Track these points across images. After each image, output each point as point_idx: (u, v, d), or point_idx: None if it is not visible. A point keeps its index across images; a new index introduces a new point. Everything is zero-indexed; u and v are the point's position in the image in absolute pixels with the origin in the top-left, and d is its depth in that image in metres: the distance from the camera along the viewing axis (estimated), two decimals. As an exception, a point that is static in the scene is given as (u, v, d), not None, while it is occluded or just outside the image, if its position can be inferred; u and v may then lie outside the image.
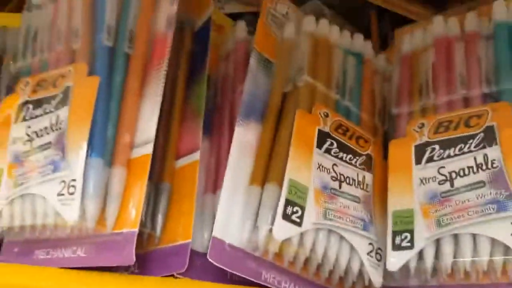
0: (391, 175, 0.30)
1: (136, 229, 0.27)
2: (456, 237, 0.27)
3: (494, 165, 0.27)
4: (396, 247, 0.28)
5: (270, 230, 0.27)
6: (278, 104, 0.32)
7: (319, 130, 0.31)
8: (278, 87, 0.33)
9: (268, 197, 0.28)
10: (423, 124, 0.31)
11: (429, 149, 0.29)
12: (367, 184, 0.32)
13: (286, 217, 0.28)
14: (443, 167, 0.28)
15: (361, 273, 0.30)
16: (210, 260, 0.27)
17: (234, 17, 0.40)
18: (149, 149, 0.28)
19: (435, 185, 0.28)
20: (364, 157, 0.32)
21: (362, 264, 0.30)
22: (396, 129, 0.32)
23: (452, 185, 0.28)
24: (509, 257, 0.26)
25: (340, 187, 0.30)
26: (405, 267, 0.28)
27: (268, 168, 0.29)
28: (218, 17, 0.39)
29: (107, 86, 0.29)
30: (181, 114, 0.32)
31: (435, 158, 0.29)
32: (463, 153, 0.28)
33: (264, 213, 0.28)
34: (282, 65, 0.33)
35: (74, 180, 0.27)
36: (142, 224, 0.29)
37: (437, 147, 0.29)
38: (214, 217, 0.30)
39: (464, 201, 0.27)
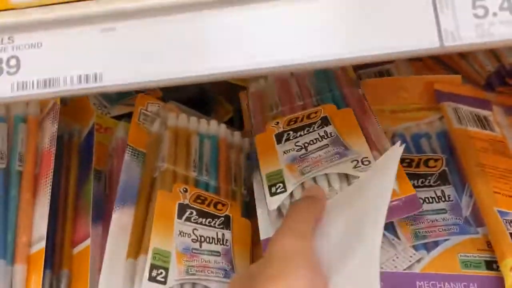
0: (260, 155, 0.40)
1: (37, 312, 0.33)
2: (314, 179, 0.37)
3: (332, 135, 0.40)
4: (273, 194, 0.37)
5: None
6: (147, 187, 0.39)
7: (179, 204, 0.38)
8: (148, 173, 0.40)
9: (140, 266, 0.35)
10: (278, 122, 0.42)
11: (285, 135, 0.41)
12: (226, 240, 0.38)
13: (151, 278, 0.34)
14: (298, 141, 0.40)
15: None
16: None
17: (120, 117, 0.48)
18: (42, 244, 0.35)
19: (294, 152, 0.39)
20: (222, 218, 0.39)
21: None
22: (257, 129, 0.43)
23: (306, 150, 0.39)
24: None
25: (200, 246, 0.37)
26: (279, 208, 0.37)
27: (139, 244, 0.36)
28: (104, 121, 0.47)
29: (4, 200, 0.36)
30: (73, 210, 0.39)
31: (291, 138, 0.41)
32: (309, 132, 0.40)
33: (137, 280, 0.34)
34: (151, 155, 0.41)
35: (-19, 281, 0.33)
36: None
37: (291, 132, 0.41)
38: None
39: (317, 157, 0.38)
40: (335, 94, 0.43)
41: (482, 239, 0.37)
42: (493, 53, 0.47)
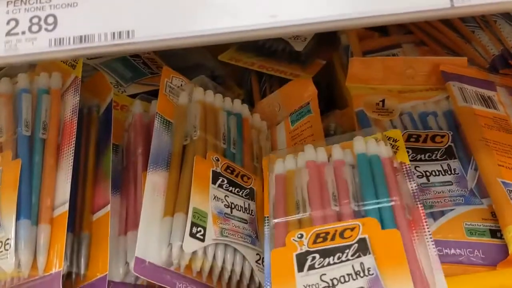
0: (274, 284, 0.31)
1: (61, 269, 0.34)
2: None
3: (371, 273, 0.30)
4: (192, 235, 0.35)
5: (181, 246, 0.36)
6: (179, 154, 0.41)
7: (213, 171, 0.40)
8: (179, 141, 0.42)
9: (177, 223, 0.37)
10: (302, 235, 0.32)
11: (309, 259, 0.31)
12: (252, 210, 0.41)
13: (192, 235, 0.36)
14: (325, 274, 0.31)
15: (252, 277, 0.39)
16: (135, 273, 0.35)
17: (135, 96, 0.50)
18: (66, 207, 0.36)
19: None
20: (248, 190, 0.42)
21: (252, 270, 0.38)
22: (275, 239, 0.34)
23: (231, 211, 0.34)
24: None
25: (231, 212, 0.39)
26: None
27: (175, 203, 0.38)
28: (121, 99, 0.49)
29: (28, 165, 0.38)
30: (93, 178, 0.41)
31: (316, 266, 0.31)
32: (341, 261, 0.31)
33: (176, 234, 0.36)
34: (180, 125, 0.43)
35: (8, 239, 0.35)
36: (69, 267, 0.37)
37: (317, 256, 0.31)
38: (126, 254, 0.38)
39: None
40: (383, 203, 0.33)
41: (486, 209, 0.38)
42: (497, 37, 0.49)
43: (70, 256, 0.37)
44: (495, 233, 0.37)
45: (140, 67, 0.53)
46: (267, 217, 0.36)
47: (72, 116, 0.40)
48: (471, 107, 0.43)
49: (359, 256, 0.31)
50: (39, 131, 0.39)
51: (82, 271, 0.37)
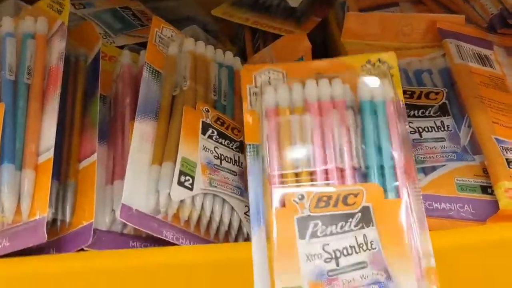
0: (279, 247, 0.30)
1: (46, 214, 0.34)
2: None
3: (374, 247, 0.29)
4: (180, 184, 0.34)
5: (168, 194, 0.35)
6: (168, 104, 0.40)
7: (203, 122, 0.39)
8: (168, 91, 0.41)
9: (165, 171, 0.36)
10: (302, 196, 0.31)
11: (311, 225, 0.30)
12: (241, 163, 0.40)
13: (180, 183, 0.36)
14: (328, 244, 0.29)
15: (240, 228, 0.38)
16: (121, 219, 0.34)
17: (124, 48, 0.48)
18: (51, 153, 0.35)
19: (321, 262, 0.28)
20: (238, 143, 0.41)
21: (241, 221, 0.38)
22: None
23: (337, 262, 0.29)
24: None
25: (221, 163, 0.39)
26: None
27: (163, 152, 0.37)
28: (109, 49, 0.47)
29: (12, 110, 0.36)
30: (80, 127, 0.40)
31: (318, 234, 0.30)
32: (344, 231, 0.30)
33: (163, 182, 0.36)
34: (169, 75, 0.42)
35: (-10, 183, 0.34)
36: (54, 214, 0.36)
37: (319, 223, 0.30)
38: (112, 203, 0.37)
39: (350, 280, 0.29)
40: (386, 161, 0.32)
41: (478, 166, 0.38)
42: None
43: (55, 203, 0.36)
44: (486, 189, 0.37)
45: (130, 18, 0.52)
46: (252, 144, 0.35)
47: (58, 62, 0.39)
48: (468, 65, 0.42)
49: (362, 228, 0.30)
50: (24, 76, 0.38)
51: (68, 219, 0.36)
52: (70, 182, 0.37)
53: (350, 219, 0.30)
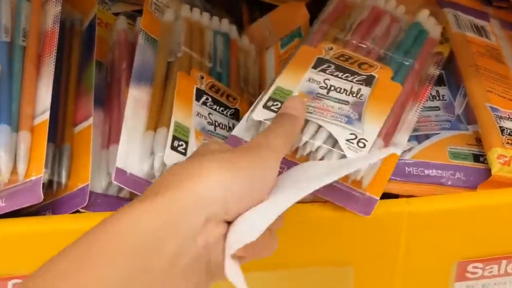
0: (291, 64, 0.38)
1: (41, 175, 0.34)
2: (307, 121, 0.34)
3: (360, 98, 0.35)
4: (267, 107, 0.35)
5: (162, 158, 0.35)
6: (163, 70, 0.40)
7: (197, 88, 0.39)
8: (163, 58, 0.41)
9: (160, 136, 0.36)
10: (331, 48, 0.38)
11: (326, 64, 0.37)
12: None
13: (173, 148, 0.36)
14: (329, 79, 0.36)
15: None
16: (115, 182, 0.34)
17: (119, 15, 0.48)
18: (47, 116, 0.35)
19: (317, 86, 0.36)
20: (233, 110, 0.41)
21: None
22: (311, 38, 0.40)
23: (327, 93, 0.36)
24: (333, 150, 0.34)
25: (215, 130, 0.39)
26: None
27: (158, 118, 0.38)
28: (105, 16, 0.47)
29: (8, 72, 0.36)
30: (75, 91, 0.40)
31: (327, 72, 0.37)
32: (346, 79, 0.36)
33: (157, 147, 0.36)
34: (165, 42, 0.41)
35: (-14, 144, 0.34)
36: (50, 175, 0.36)
37: (332, 66, 0.37)
38: (108, 166, 0.38)
39: (329, 106, 0.35)
40: (404, 64, 0.38)
41: (472, 135, 0.38)
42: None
43: (51, 166, 0.36)
44: (478, 157, 0.37)
45: (127, -15, 0.51)
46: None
47: (53, 26, 0.39)
48: (464, 34, 0.42)
49: (361, 84, 0.36)
50: (19, 38, 0.38)
51: (63, 181, 0.36)
52: (65, 146, 0.37)
53: (356, 76, 0.37)
